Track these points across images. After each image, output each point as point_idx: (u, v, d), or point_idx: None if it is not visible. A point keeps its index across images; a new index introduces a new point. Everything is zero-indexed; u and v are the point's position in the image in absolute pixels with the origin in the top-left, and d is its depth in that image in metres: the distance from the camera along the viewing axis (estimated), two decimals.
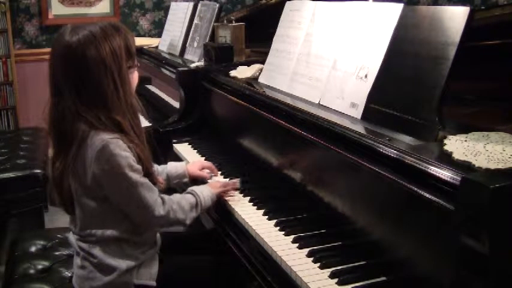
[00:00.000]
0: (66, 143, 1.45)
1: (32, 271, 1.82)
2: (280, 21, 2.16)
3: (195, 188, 1.66)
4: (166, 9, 3.95)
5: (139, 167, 1.46)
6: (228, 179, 1.91)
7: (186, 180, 1.89)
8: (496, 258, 0.98)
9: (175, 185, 1.89)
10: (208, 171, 1.95)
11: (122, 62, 1.46)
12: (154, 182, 1.55)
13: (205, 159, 2.14)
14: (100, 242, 1.49)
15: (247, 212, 1.66)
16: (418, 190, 1.16)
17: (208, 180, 1.92)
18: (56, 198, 1.55)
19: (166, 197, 1.54)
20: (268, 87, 2.07)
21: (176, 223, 1.56)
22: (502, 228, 0.99)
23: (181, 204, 1.56)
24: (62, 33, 1.45)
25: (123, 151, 1.41)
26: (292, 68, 1.98)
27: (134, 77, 1.55)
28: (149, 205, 1.47)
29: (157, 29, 5.00)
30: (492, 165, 1.09)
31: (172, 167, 1.89)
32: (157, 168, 1.85)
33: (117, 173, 1.41)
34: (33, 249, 1.96)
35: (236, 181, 1.81)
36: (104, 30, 1.45)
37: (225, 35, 2.68)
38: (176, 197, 1.58)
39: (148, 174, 1.51)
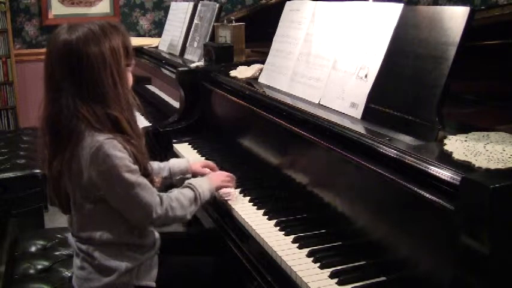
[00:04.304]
0: (62, 143, 1.44)
1: (32, 271, 1.82)
2: (280, 21, 2.16)
3: (193, 181, 1.65)
4: (166, 9, 3.96)
5: (135, 167, 1.45)
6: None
7: (189, 176, 1.88)
8: (496, 258, 0.98)
9: (178, 182, 1.89)
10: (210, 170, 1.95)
11: (121, 58, 1.47)
12: (152, 180, 1.54)
13: (205, 159, 2.14)
14: (99, 244, 1.49)
15: (247, 212, 1.66)
16: (418, 190, 1.16)
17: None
18: (53, 198, 1.55)
19: (164, 195, 1.53)
20: (268, 87, 2.07)
21: (176, 220, 1.56)
22: (502, 228, 0.99)
23: (180, 200, 1.55)
24: (59, 32, 1.46)
25: (118, 151, 1.41)
26: (292, 68, 1.97)
27: (130, 75, 1.56)
28: (147, 205, 1.46)
29: (157, 29, 5.00)
30: (492, 165, 1.09)
31: (174, 163, 1.89)
32: (159, 165, 1.85)
33: (113, 174, 1.41)
34: (33, 249, 1.96)
35: (234, 178, 1.81)
36: (103, 27, 1.46)
37: (225, 35, 2.68)
38: (174, 193, 1.57)
39: (146, 174, 1.50)
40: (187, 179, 1.89)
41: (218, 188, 1.72)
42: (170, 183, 1.87)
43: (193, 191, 1.60)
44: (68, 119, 1.42)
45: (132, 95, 1.52)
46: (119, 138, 1.43)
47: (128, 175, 1.42)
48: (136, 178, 1.44)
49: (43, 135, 1.49)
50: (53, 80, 1.45)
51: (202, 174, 1.92)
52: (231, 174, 1.82)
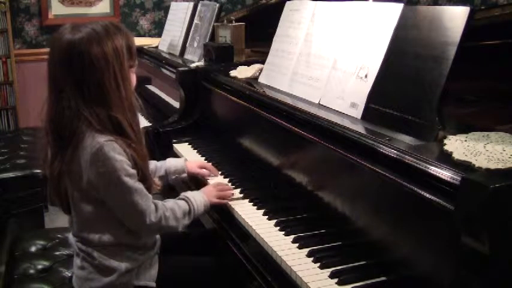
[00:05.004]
0: (64, 143, 1.44)
1: (32, 271, 1.82)
2: (280, 21, 2.16)
3: (188, 194, 1.65)
4: (166, 9, 3.96)
5: (134, 171, 1.45)
6: (227, 180, 1.91)
7: (184, 175, 1.89)
8: (496, 258, 0.98)
9: (174, 181, 1.89)
10: (207, 171, 1.95)
11: (124, 60, 1.46)
12: (150, 185, 1.54)
13: (205, 160, 2.14)
14: (99, 245, 1.49)
15: (247, 212, 1.66)
16: (418, 190, 1.16)
17: (208, 180, 1.91)
18: (54, 198, 1.55)
19: (159, 203, 1.53)
20: (268, 87, 2.07)
21: (168, 230, 1.56)
22: (502, 228, 0.99)
23: (174, 211, 1.54)
24: (62, 32, 1.45)
25: (117, 154, 1.41)
26: (292, 68, 1.97)
27: (133, 76, 1.55)
28: (142, 211, 1.46)
29: (157, 29, 5.00)
30: (492, 165, 1.09)
31: (171, 162, 1.90)
32: (156, 164, 1.86)
33: (112, 176, 1.41)
34: (33, 249, 1.96)
35: (233, 191, 1.79)
36: (106, 28, 1.45)
37: (225, 35, 2.68)
38: (169, 203, 1.57)
39: (145, 178, 1.50)
40: (183, 178, 1.90)
41: (213, 204, 1.70)
42: (166, 182, 1.88)
43: (188, 204, 1.60)
44: (70, 120, 1.42)
45: (135, 96, 1.52)
46: (119, 141, 1.43)
47: (126, 179, 1.42)
48: (134, 183, 1.44)
49: (45, 135, 1.49)
50: (55, 81, 1.45)
51: (199, 175, 1.92)
52: (228, 186, 1.80)
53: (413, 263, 1.21)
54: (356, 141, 1.40)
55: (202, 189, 1.74)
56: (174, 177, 1.88)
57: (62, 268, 1.82)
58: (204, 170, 1.95)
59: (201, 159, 2.14)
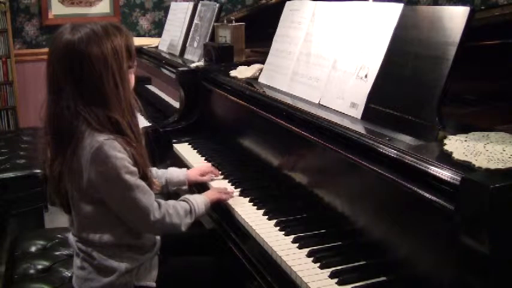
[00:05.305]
0: (63, 143, 1.44)
1: (32, 271, 1.82)
2: (280, 21, 2.16)
3: (189, 196, 1.65)
4: (166, 9, 3.96)
5: (135, 169, 1.44)
6: (227, 180, 1.91)
7: (185, 187, 1.87)
8: (496, 258, 0.98)
9: (173, 192, 1.88)
10: (209, 174, 1.94)
11: (123, 60, 1.46)
12: (150, 184, 1.53)
13: (205, 159, 2.14)
14: (99, 245, 1.49)
15: (247, 212, 1.66)
16: (418, 190, 1.16)
17: (209, 182, 1.91)
18: (54, 198, 1.54)
19: (162, 201, 1.53)
20: (268, 87, 2.07)
21: (171, 228, 1.55)
22: (502, 228, 0.99)
23: (176, 209, 1.54)
24: (62, 32, 1.45)
25: (118, 152, 1.41)
26: (292, 68, 1.97)
27: (132, 77, 1.55)
28: (145, 209, 1.46)
29: (157, 29, 5.01)
30: (492, 165, 1.09)
31: (172, 174, 1.87)
32: (157, 171, 1.84)
33: (113, 174, 1.40)
34: (33, 249, 1.96)
35: (233, 191, 1.79)
36: (106, 28, 1.45)
37: (225, 35, 2.68)
38: (171, 202, 1.57)
39: (145, 177, 1.50)
40: (183, 190, 1.88)
41: (213, 201, 1.70)
42: (166, 191, 1.87)
43: (189, 204, 1.60)
44: (69, 120, 1.42)
45: (134, 97, 1.52)
46: (119, 139, 1.43)
47: (127, 176, 1.42)
48: (135, 180, 1.44)
49: (44, 136, 1.49)
50: (54, 80, 1.45)
51: (201, 182, 1.91)
52: (229, 190, 1.80)
53: (413, 263, 1.21)
54: (356, 141, 1.40)
55: (203, 193, 1.74)
56: (174, 188, 1.86)
57: (62, 268, 1.82)
58: (205, 177, 1.93)
59: (201, 160, 2.14)
